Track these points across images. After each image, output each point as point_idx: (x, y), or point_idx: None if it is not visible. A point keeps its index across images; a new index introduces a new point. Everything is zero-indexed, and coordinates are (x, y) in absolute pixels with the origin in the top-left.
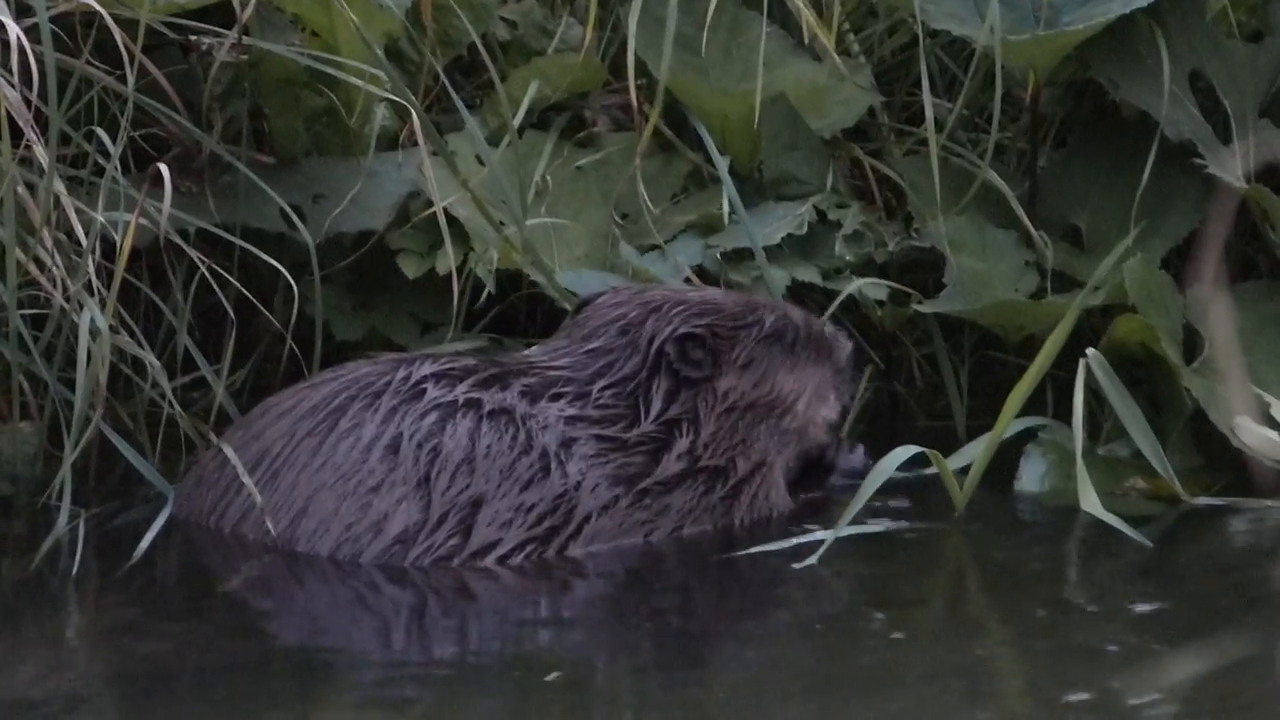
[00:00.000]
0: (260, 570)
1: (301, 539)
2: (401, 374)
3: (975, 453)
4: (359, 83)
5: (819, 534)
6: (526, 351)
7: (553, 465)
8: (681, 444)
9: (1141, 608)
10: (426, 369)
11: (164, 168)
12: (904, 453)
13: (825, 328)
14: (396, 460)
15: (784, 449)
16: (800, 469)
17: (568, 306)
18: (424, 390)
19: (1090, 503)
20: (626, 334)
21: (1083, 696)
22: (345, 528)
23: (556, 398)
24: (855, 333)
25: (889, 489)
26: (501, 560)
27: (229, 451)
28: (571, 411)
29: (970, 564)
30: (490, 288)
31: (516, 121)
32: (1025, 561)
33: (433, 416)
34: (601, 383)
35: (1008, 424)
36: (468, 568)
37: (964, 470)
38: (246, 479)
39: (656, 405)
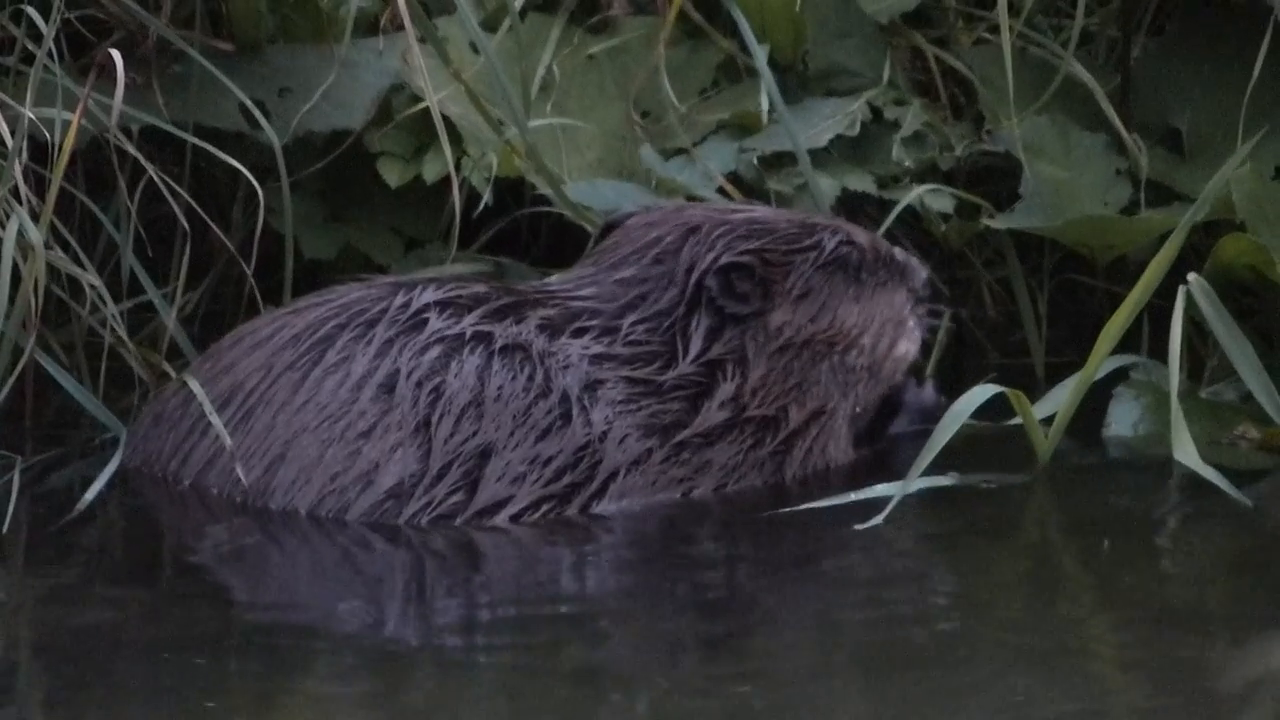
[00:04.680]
0: (227, 528)
1: (278, 491)
2: (400, 300)
3: (1061, 397)
4: None
5: (883, 488)
6: (546, 280)
7: (574, 411)
8: (725, 389)
9: (1242, 575)
10: (429, 296)
11: (115, 54)
12: (982, 393)
13: (896, 250)
14: (392, 401)
15: (850, 391)
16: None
17: (583, 223)
18: (426, 320)
19: (1186, 453)
20: (662, 262)
21: (1176, 679)
22: (330, 479)
23: (580, 333)
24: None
25: (960, 436)
26: (512, 520)
27: (194, 386)
28: (597, 349)
29: (1053, 523)
30: (487, 199)
31: (518, 3)
32: (1115, 520)
33: (435, 351)
34: (633, 317)
35: (1099, 364)
36: (472, 527)
37: (1046, 417)
38: (214, 418)
39: (696, 344)
